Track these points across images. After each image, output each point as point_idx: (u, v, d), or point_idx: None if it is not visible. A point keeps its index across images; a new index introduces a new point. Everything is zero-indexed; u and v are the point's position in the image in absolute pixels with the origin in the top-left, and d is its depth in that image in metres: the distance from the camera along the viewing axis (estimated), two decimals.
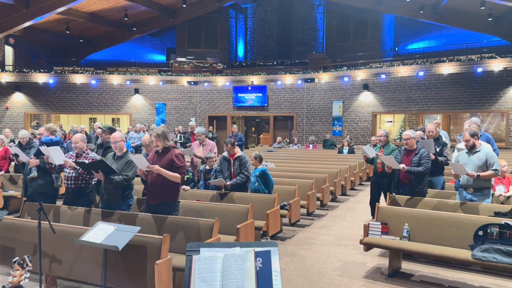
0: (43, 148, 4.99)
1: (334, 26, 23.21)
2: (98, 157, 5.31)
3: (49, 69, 19.97)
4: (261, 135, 20.94)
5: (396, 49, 23.00)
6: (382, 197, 6.75)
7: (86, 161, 4.89)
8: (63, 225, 4.28)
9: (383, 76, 16.79)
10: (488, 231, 4.41)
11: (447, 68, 15.81)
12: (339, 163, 10.65)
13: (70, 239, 3.98)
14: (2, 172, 8.28)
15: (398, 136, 17.86)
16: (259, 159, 6.35)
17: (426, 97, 16.08)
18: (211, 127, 18.42)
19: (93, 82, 19.12)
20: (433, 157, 6.06)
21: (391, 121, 19.16)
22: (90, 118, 20.70)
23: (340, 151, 13.29)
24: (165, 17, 22.04)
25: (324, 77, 18.24)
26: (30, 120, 19.07)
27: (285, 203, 6.44)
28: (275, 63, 22.84)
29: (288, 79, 18.82)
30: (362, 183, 11.20)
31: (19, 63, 20.47)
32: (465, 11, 17.91)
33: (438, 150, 6.47)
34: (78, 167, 4.96)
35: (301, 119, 18.67)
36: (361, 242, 4.89)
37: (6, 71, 19.08)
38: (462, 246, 4.50)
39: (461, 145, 5.82)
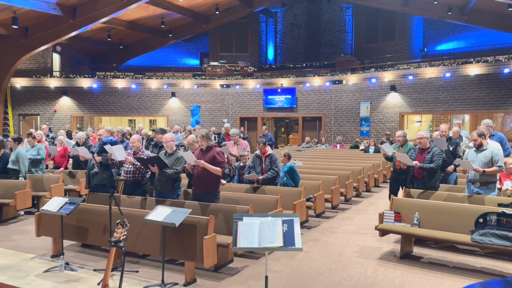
0: (108, 147, 5.98)
1: (362, 28, 23.68)
2: (152, 154, 6.27)
3: (93, 75, 21.46)
4: (290, 135, 21.70)
5: (425, 50, 23.25)
6: (400, 191, 7.42)
7: (144, 157, 5.85)
8: (128, 209, 5.23)
9: (410, 77, 17.22)
10: (488, 218, 5.05)
11: (474, 69, 16.11)
12: (363, 161, 11.30)
13: (134, 219, 4.93)
14: (62, 169, 9.45)
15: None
16: (287, 156, 7.17)
17: (453, 97, 16.42)
18: (242, 127, 19.35)
19: (133, 86, 20.44)
20: (451, 169, 7.00)
21: (419, 121, 19.53)
22: (130, 120, 22.08)
23: (366, 151, 13.90)
24: (199, 23, 23.14)
25: (351, 79, 18.82)
26: (76, 122, 20.59)
27: (310, 196, 7.22)
28: (304, 65, 23.55)
29: (316, 81, 19.51)
30: (386, 180, 11.77)
31: (65, 69, 22.05)
32: (493, 11, 18.04)
33: (451, 148, 7.11)
34: (136, 163, 5.93)
35: (329, 119, 19.32)
36: (376, 228, 5.62)
37: (54, 76, 20.68)
38: (465, 232, 5.15)
39: (472, 143, 6.45)
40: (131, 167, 6.06)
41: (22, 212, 8.09)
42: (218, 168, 5.55)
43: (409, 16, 21.80)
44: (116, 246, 3.31)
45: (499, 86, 15.54)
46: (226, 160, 5.96)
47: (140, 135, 12.16)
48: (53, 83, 20.32)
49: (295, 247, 2.84)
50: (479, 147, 6.04)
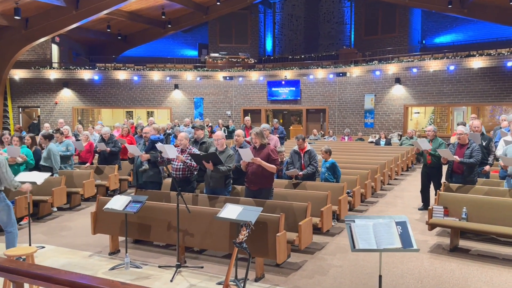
0: (160, 145, 6.00)
1: (362, 20, 23.82)
2: (198, 151, 6.33)
3: (93, 66, 21.17)
4: (291, 127, 21.73)
5: (424, 42, 23.55)
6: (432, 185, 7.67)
7: (197, 153, 5.91)
8: (195, 207, 5.31)
9: (414, 70, 17.49)
10: None
11: (477, 62, 16.44)
12: (380, 154, 11.51)
13: (201, 217, 5.02)
14: (88, 164, 9.41)
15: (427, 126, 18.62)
16: (329, 152, 7.30)
17: (457, 90, 16.76)
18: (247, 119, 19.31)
19: (135, 78, 20.26)
20: (488, 169, 7.27)
21: (418, 113, 19.88)
22: (127, 112, 21.92)
23: (377, 143, 14.14)
24: (198, 14, 22.95)
25: (355, 71, 19.01)
26: (77, 114, 20.35)
27: (348, 190, 7.37)
28: (303, 56, 23.62)
29: (319, 73, 19.63)
30: (402, 173, 12.04)
31: (63, 60, 21.69)
32: (495, 5, 18.36)
33: (484, 144, 7.34)
34: (187, 161, 5.99)
35: (333, 111, 19.51)
36: (427, 222, 5.83)
37: (53, 68, 20.33)
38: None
39: (508, 137, 6.70)
40: (180, 164, 6.12)
41: (55, 209, 8.06)
42: (273, 165, 5.66)
43: (409, 8, 22.02)
44: (240, 247, 3.40)
45: (502, 79, 15.91)
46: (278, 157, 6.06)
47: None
48: (53, 74, 19.99)
49: (413, 248, 2.99)
50: None
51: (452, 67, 16.76)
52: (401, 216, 3.18)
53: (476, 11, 19.07)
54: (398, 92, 17.91)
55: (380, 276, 3.22)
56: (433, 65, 17.30)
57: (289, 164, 7.40)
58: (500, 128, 8.66)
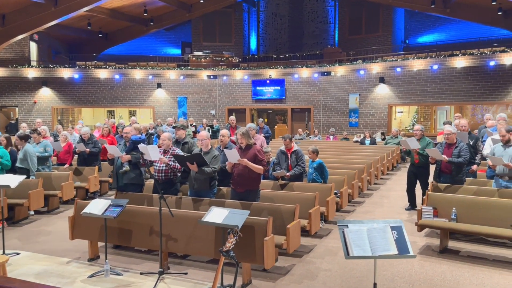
0: (142, 146, 5.75)
1: (346, 19, 23.84)
2: (181, 152, 6.11)
3: (73, 64, 20.64)
4: (275, 127, 21.58)
5: (407, 41, 23.68)
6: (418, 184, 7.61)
7: (182, 154, 5.67)
8: (178, 210, 5.08)
9: (398, 69, 17.51)
10: None
11: (460, 62, 16.54)
12: (366, 154, 11.43)
13: (185, 221, 4.81)
14: (67, 166, 9.08)
15: (411, 126, 18.71)
16: (316, 153, 7.15)
17: (441, 89, 16.83)
18: (233, 118, 19.07)
19: (117, 76, 19.82)
20: (475, 168, 7.27)
21: (401, 112, 19.94)
22: (108, 111, 21.44)
23: (362, 142, 14.09)
24: (182, 11, 22.61)
25: (340, 70, 18.95)
26: (57, 114, 19.83)
27: (336, 191, 7.23)
28: (287, 55, 23.49)
29: (304, 72, 19.52)
30: (388, 172, 12.00)
31: (42, 58, 21.09)
32: (477, 5, 18.53)
33: (471, 143, 7.30)
34: (170, 163, 5.76)
35: (318, 111, 19.43)
36: (416, 224, 5.72)
37: (32, 66, 19.74)
38: (504, 225, 5.32)
39: (496, 136, 6.66)
40: (163, 166, 5.89)
41: (32, 212, 7.73)
42: (260, 166, 5.48)
43: (392, 8, 22.10)
44: (227, 255, 3.19)
45: (485, 78, 16.03)
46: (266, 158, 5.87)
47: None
48: (31, 73, 19.40)
49: (409, 254, 2.85)
50: (507, 142, 6.21)
51: (435, 67, 16.83)
52: (397, 220, 3.03)
53: (459, 11, 19.23)
54: (382, 91, 17.92)
55: (374, 284, 3.07)
56: (417, 64, 17.35)
57: (276, 165, 7.23)
58: (485, 127, 8.68)
